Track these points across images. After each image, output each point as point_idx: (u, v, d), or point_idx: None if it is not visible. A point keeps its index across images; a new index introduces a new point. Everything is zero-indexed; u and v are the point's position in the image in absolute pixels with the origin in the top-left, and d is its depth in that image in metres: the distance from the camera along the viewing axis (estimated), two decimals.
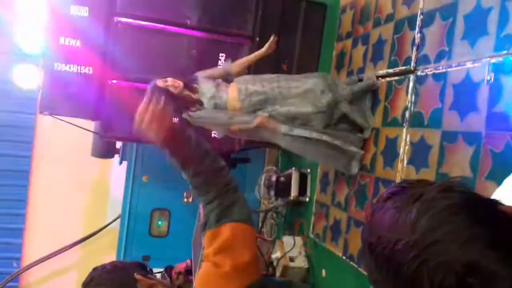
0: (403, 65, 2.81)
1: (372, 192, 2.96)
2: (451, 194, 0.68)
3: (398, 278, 0.68)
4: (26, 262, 5.47)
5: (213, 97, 2.90)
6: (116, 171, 5.27)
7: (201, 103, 2.90)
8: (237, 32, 3.79)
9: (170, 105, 1.29)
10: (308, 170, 3.94)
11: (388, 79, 2.95)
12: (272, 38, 3.09)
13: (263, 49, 3.10)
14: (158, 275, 4.00)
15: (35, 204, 5.49)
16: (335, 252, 3.31)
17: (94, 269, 1.36)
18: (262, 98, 2.92)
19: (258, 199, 4.35)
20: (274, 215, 4.34)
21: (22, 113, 5.29)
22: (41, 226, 5.46)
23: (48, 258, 5.43)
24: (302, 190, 3.93)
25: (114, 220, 5.26)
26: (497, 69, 2.08)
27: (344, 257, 3.18)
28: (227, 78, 3.06)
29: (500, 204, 0.69)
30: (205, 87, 2.93)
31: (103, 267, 1.38)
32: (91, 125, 4.13)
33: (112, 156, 4.72)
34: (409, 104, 2.67)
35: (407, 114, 2.68)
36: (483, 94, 2.14)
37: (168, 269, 4.12)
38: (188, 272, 4.03)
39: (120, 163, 4.71)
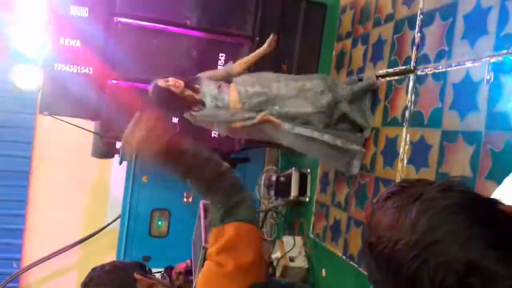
0: (403, 65, 2.81)
1: (372, 192, 2.95)
2: (451, 194, 0.68)
3: (398, 278, 0.67)
4: (26, 262, 5.47)
5: (215, 98, 2.90)
6: (116, 171, 5.27)
7: (203, 103, 2.90)
8: (237, 32, 3.79)
9: (157, 126, 1.27)
10: (308, 170, 3.94)
11: (388, 78, 2.95)
12: (271, 36, 3.10)
13: (263, 47, 3.11)
14: (158, 275, 4.00)
15: (35, 205, 5.49)
16: (335, 252, 3.31)
17: (93, 269, 1.36)
18: (263, 100, 2.92)
19: (258, 199, 4.35)
20: (274, 215, 4.34)
21: (22, 114, 5.29)
22: (41, 227, 5.45)
23: (48, 259, 5.43)
24: (302, 190, 3.93)
25: (114, 220, 5.25)
26: (497, 68, 2.08)
27: (344, 257, 3.18)
28: (228, 79, 3.06)
29: (500, 203, 0.69)
30: (207, 88, 2.93)
31: (102, 267, 1.37)
32: (91, 125, 4.13)
33: (112, 156, 4.71)
34: (409, 104, 2.67)
35: (407, 114, 2.68)
36: (483, 94, 2.14)
37: (168, 269, 4.12)
38: (188, 272, 4.03)
39: (120, 163, 4.71)
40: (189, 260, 4.12)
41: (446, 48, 2.44)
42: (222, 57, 3.70)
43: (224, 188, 1.32)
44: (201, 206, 3.90)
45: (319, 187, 3.74)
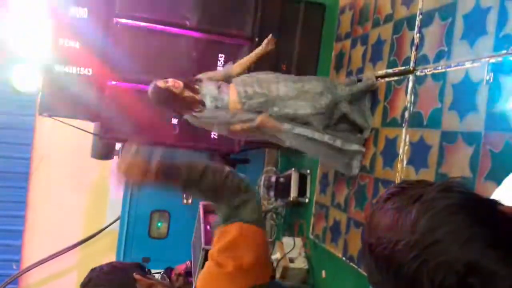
0: (402, 65, 2.81)
1: (371, 192, 2.95)
2: (450, 194, 0.68)
3: (398, 278, 0.67)
4: (25, 264, 5.46)
5: (215, 98, 2.90)
6: (115, 172, 5.26)
7: (203, 104, 2.90)
8: (236, 33, 3.79)
9: (144, 155, 1.35)
10: (308, 171, 3.94)
11: (387, 79, 2.95)
12: (269, 36, 3.10)
13: (260, 48, 3.09)
14: (158, 276, 3.99)
15: (35, 206, 5.48)
16: (335, 253, 3.31)
17: (92, 270, 1.36)
18: (262, 101, 2.92)
19: None
20: (274, 216, 4.34)
21: (22, 115, 5.29)
22: (41, 228, 5.45)
23: (48, 260, 5.42)
24: (301, 191, 3.93)
25: (114, 221, 5.25)
26: (497, 69, 2.08)
27: (344, 258, 3.18)
28: (228, 79, 3.06)
29: (500, 204, 0.69)
30: (207, 88, 2.93)
31: (101, 267, 1.37)
32: (90, 126, 4.13)
33: (112, 157, 4.71)
34: (409, 104, 2.67)
35: (406, 114, 2.68)
36: (482, 94, 2.14)
37: (168, 271, 4.12)
38: (188, 273, 4.03)
39: None
40: (188, 262, 4.12)
41: (446, 49, 2.44)
42: (221, 57, 3.70)
43: (228, 190, 1.33)
44: (200, 207, 3.90)
45: (318, 188, 3.74)
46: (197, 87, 2.93)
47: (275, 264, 3.69)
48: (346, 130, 3.06)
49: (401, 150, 2.68)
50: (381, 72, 3.03)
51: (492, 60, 2.10)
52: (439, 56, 2.48)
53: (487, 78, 2.11)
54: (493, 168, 2.02)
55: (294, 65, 3.91)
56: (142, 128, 3.71)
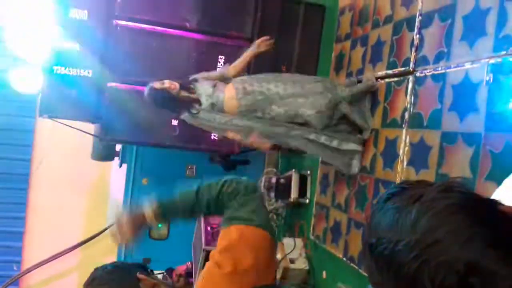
0: (402, 66, 2.81)
1: (372, 193, 2.96)
2: (451, 194, 0.68)
3: (399, 278, 0.68)
4: (26, 265, 5.46)
5: (210, 96, 2.92)
6: (116, 173, 5.27)
7: (199, 102, 2.93)
8: (236, 35, 3.79)
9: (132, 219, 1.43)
10: (308, 172, 3.94)
11: (387, 80, 2.95)
12: (263, 37, 3.10)
13: (252, 48, 3.08)
14: (159, 277, 3.99)
15: (35, 207, 5.48)
16: (336, 253, 3.31)
17: (96, 269, 1.36)
18: (260, 98, 2.94)
19: None
20: (274, 217, 4.34)
21: (22, 116, 5.29)
22: (41, 229, 5.45)
23: (48, 261, 5.42)
24: (302, 192, 3.93)
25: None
26: (496, 69, 2.08)
27: (344, 259, 3.18)
28: (226, 80, 3.08)
29: (500, 204, 0.70)
30: (203, 87, 2.96)
31: (105, 267, 1.37)
32: (91, 128, 4.13)
33: (112, 159, 4.72)
34: (409, 105, 2.67)
35: (406, 115, 2.68)
36: (482, 95, 2.14)
37: (169, 271, 4.12)
38: (189, 274, 4.03)
39: (120, 165, 4.71)
40: (189, 262, 4.12)
41: (445, 50, 2.44)
42: (221, 59, 3.71)
43: (225, 197, 1.36)
44: None
45: (319, 189, 3.74)
46: (192, 86, 2.96)
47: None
48: (346, 130, 3.07)
49: (401, 151, 2.68)
50: (381, 73, 3.03)
51: (492, 61, 2.11)
52: (438, 57, 2.48)
53: (487, 78, 2.12)
54: (494, 169, 2.02)
55: (294, 66, 3.92)
56: (142, 130, 3.71)
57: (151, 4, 3.67)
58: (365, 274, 0.78)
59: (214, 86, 2.97)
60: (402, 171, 2.67)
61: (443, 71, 2.43)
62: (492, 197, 0.82)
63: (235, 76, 3.07)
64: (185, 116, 3.00)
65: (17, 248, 5.46)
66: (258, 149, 3.09)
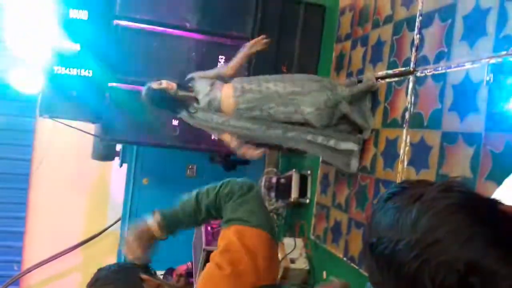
0: (402, 66, 2.81)
1: (372, 193, 2.96)
2: (451, 194, 0.68)
3: (399, 278, 0.68)
4: (26, 265, 5.47)
5: (207, 94, 2.93)
6: (116, 173, 5.28)
7: (196, 101, 2.94)
8: (237, 35, 3.79)
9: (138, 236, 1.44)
10: (309, 172, 3.94)
11: (387, 80, 2.95)
12: (258, 37, 3.10)
13: (247, 49, 3.07)
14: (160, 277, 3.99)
15: (35, 207, 5.49)
16: (336, 253, 3.31)
17: (99, 270, 1.35)
18: (258, 96, 2.94)
19: None
20: (275, 217, 4.34)
21: (22, 116, 5.30)
22: (42, 229, 5.45)
23: (49, 261, 5.43)
24: (302, 192, 3.93)
25: (115, 222, 5.26)
26: (496, 69, 2.08)
27: (345, 259, 3.18)
28: (225, 80, 3.08)
29: (500, 203, 0.70)
30: (200, 85, 2.97)
31: (109, 267, 1.37)
32: (91, 127, 4.13)
33: (113, 159, 4.72)
34: (409, 105, 2.68)
35: (407, 115, 2.68)
36: (482, 95, 2.14)
37: (169, 271, 4.12)
38: (189, 274, 4.03)
39: (121, 165, 4.72)
40: (189, 262, 4.12)
41: (446, 50, 2.44)
42: (221, 59, 3.71)
43: (221, 199, 1.37)
44: None
45: (319, 189, 3.74)
46: (190, 85, 2.97)
47: None
48: (346, 130, 3.07)
49: (401, 151, 2.69)
50: (381, 73, 3.03)
51: (492, 61, 2.11)
52: (439, 57, 2.48)
53: (487, 78, 2.12)
54: (494, 169, 2.02)
55: (294, 67, 3.92)
56: (142, 130, 3.72)
57: (151, 4, 3.68)
58: (366, 274, 0.78)
59: (212, 84, 2.98)
60: (402, 171, 2.67)
61: (443, 71, 2.43)
62: (493, 197, 0.82)
63: (231, 75, 3.07)
64: (183, 115, 3.01)
65: (18, 248, 5.47)
66: (252, 158, 3.11)
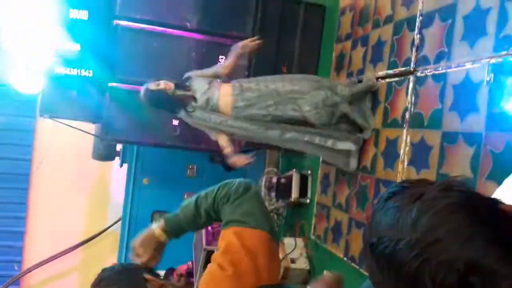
0: (402, 66, 2.81)
1: (372, 193, 2.96)
2: (451, 193, 0.68)
3: (400, 277, 0.68)
4: (27, 265, 5.47)
5: (205, 92, 2.94)
6: (116, 173, 5.28)
7: (194, 99, 2.94)
8: (237, 35, 3.79)
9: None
10: (309, 172, 3.94)
11: (387, 80, 2.95)
12: (251, 38, 3.12)
13: (238, 49, 3.06)
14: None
15: (36, 207, 5.49)
16: (336, 253, 3.31)
17: (103, 270, 1.35)
18: (256, 95, 2.95)
19: None
20: (275, 216, 4.34)
21: (22, 116, 5.30)
22: (42, 229, 5.46)
23: (49, 261, 5.43)
24: (302, 192, 3.93)
25: (115, 222, 5.26)
26: (497, 69, 2.08)
27: (345, 259, 3.18)
28: (224, 79, 3.09)
29: (501, 203, 0.69)
30: (198, 84, 2.99)
31: (112, 268, 1.37)
32: (91, 127, 4.14)
33: (113, 159, 4.72)
34: (409, 105, 2.68)
35: (407, 115, 2.69)
36: (483, 95, 2.14)
37: (170, 271, 4.12)
38: (190, 274, 4.03)
39: (121, 165, 4.72)
40: (190, 262, 4.13)
41: (446, 50, 2.44)
42: (222, 59, 3.71)
43: (224, 200, 1.38)
44: None
45: (319, 189, 3.74)
46: (188, 84, 2.98)
47: None
48: (346, 130, 3.07)
49: (402, 151, 2.69)
50: (381, 73, 3.03)
51: (493, 61, 2.11)
52: (439, 57, 2.48)
53: (488, 78, 2.12)
54: (494, 169, 2.02)
55: (294, 67, 3.92)
56: (142, 129, 3.72)
57: (151, 4, 3.68)
58: (366, 274, 0.78)
59: (210, 83, 2.99)
60: (402, 171, 2.67)
61: (443, 71, 2.43)
62: (493, 196, 0.82)
63: (227, 75, 3.08)
64: (182, 115, 3.02)
65: (18, 248, 5.47)
66: (244, 166, 3.12)
